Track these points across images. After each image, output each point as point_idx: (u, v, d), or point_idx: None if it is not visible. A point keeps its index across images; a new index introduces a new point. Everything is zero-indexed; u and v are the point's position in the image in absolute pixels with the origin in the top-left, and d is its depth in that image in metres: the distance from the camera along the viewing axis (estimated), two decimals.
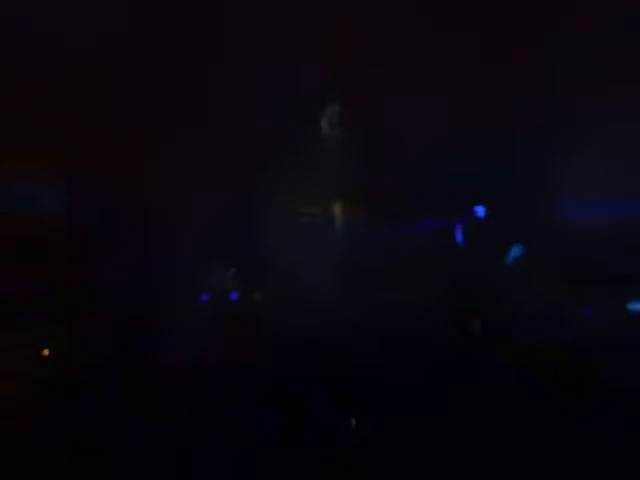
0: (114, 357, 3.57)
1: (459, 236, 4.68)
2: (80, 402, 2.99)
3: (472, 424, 2.64)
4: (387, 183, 4.52)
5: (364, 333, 4.01)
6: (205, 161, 4.33)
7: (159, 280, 4.18)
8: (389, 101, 4.34)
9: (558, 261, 4.39)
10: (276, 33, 4.31)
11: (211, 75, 4.40)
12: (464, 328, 3.95)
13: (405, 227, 4.54)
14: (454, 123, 4.27)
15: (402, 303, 4.27)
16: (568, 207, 4.54)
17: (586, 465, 2.24)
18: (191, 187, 4.32)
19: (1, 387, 3.11)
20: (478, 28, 4.41)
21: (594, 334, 3.69)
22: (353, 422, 2.72)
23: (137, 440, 2.61)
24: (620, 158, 4.26)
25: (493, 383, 3.10)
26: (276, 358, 3.54)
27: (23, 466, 2.40)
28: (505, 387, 3.04)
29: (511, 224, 4.54)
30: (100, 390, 3.12)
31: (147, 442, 2.59)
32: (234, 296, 4.68)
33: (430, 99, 4.26)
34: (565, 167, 4.42)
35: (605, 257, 4.10)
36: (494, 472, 2.24)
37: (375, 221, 4.70)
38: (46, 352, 3.51)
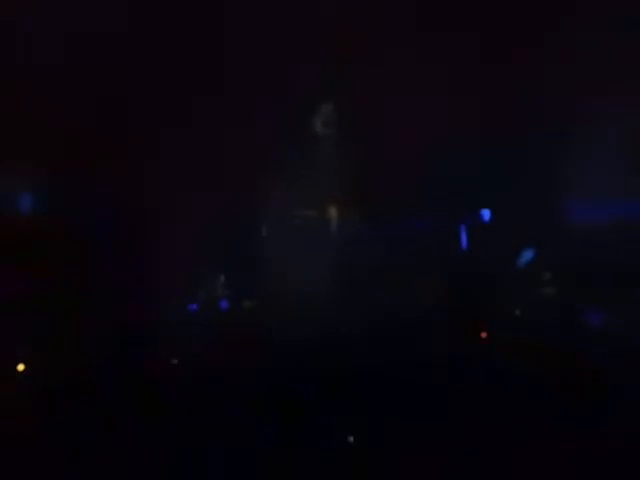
0: (114, 357, 3.57)
1: (459, 236, 4.68)
2: (80, 402, 2.98)
3: (472, 424, 2.64)
4: (386, 183, 4.51)
5: (363, 333, 4.01)
6: (198, 162, 4.32)
7: (156, 281, 4.17)
8: (388, 101, 4.33)
9: (561, 262, 4.39)
10: (276, 33, 4.31)
11: (210, 75, 4.40)
12: (464, 328, 3.94)
13: (403, 227, 4.54)
14: (454, 123, 4.26)
15: (402, 304, 4.26)
16: (569, 207, 4.54)
17: (586, 465, 2.24)
18: (183, 188, 4.31)
19: (1, 387, 3.11)
20: (478, 28, 4.41)
21: (599, 336, 3.69)
22: (353, 422, 2.72)
23: (137, 440, 2.61)
24: (621, 158, 4.26)
25: (493, 383, 3.09)
26: (275, 359, 3.54)
27: (23, 466, 2.39)
28: (505, 387, 3.04)
29: (510, 224, 4.53)
30: (99, 390, 3.12)
31: (147, 442, 2.59)
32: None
33: (430, 99, 4.26)
34: (565, 167, 4.42)
35: (608, 258, 4.09)
36: (494, 472, 2.24)
37: (373, 222, 4.69)
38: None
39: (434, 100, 4.26)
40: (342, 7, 4.35)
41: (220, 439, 2.58)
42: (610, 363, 3.12)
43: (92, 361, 3.45)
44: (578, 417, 2.66)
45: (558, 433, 2.50)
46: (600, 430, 2.50)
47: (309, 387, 3.05)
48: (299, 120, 4.67)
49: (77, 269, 3.99)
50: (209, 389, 3.18)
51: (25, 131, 3.95)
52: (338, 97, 4.69)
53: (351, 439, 2.60)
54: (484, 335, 3.88)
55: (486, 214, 4.66)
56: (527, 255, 4.56)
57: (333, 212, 4.75)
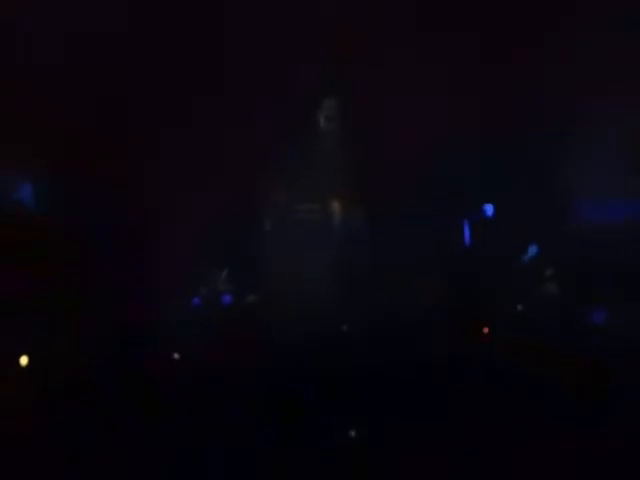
0: (114, 357, 3.57)
1: (460, 235, 4.68)
2: (80, 402, 2.98)
3: (472, 424, 2.64)
4: (386, 182, 4.52)
5: (363, 333, 4.01)
6: (201, 160, 4.33)
7: (156, 280, 4.18)
8: (389, 101, 4.34)
9: (562, 262, 4.39)
10: (276, 33, 4.31)
11: (211, 75, 4.40)
12: (464, 328, 3.94)
13: (404, 226, 4.54)
14: (454, 122, 4.27)
15: (402, 303, 4.26)
16: (569, 207, 4.54)
17: (586, 465, 2.23)
18: (186, 186, 4.31)
19: (1, 387, 3.11)
20: (478, 28, 4.41)
21: (599, 336, 3.68)
22: (353, 423, 2.72)
23: (136, 440, 2.61)
24: (620, 158, 4.26)
25: (493, 383, 3.09)
26: (275, 359, 3.54)
27: (23, 466, 2.39)
28: (505, 387, 3.04)
29: (511, 224, 4.53)
30: (99, 390, 3.11)
31: (147, 442, 2.59)
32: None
33: (430, 99, 4.26)
34: (565, 167, 4.42)
35: (609, 258, 4.09)
36: (494, 472, 2.24)
37: (374, 220, 4.69)
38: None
39: (434, 100, 4.26)
40: (342, 7, 4.36)
41: (220, 439, 2.58)
42: (610, 363, 3.12)
43: (92, 361, 3.45)
44: (578, 417, 2.66)
45: (558, 433, 2.50)
46: (600, 430, 2.50)
47: (309, 387, 3.05)
48: (299, 119, 4.67)
49: (77, 269, 3.99)
50: (209, 389, 3.18)
51: (25, 131, 3.95)
52: (338, 97, 4.69)
53: (352, 434, 2.60)
54: (485, 331, 3.87)
55: (487, 214, 4.66)
56: (527, 255, 4.56)
57: (334, 210, 4.75)
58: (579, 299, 4.13)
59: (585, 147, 4.24)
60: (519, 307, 4.28)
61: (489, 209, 4.65)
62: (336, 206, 4.75)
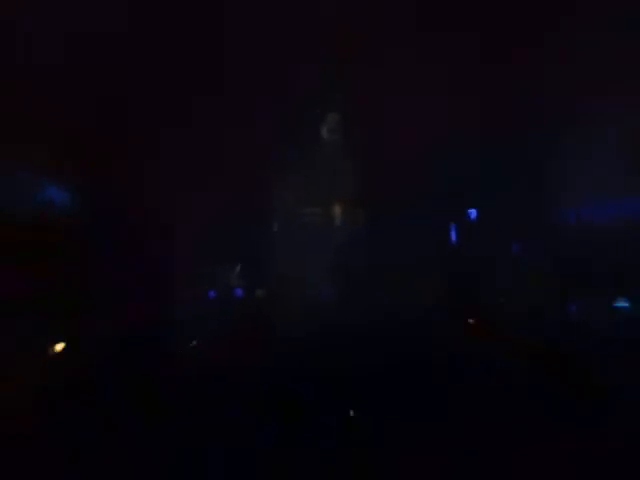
0: (114, 357, 3.57)
1: (459, 236, 4.68)
2: (80, 402, 2.98)
3: (472, 423, 2.64)
4: (386, 183, 4.52)
5: (364, 333, 4.01)
6: (210, 161, 4.34)
7: (162, 279, 4.18)
8: (388, 101, 4.34)
9: (554, 261, 4.39)
10: (276, 33, 4.31)
11: (212, 76, 4.40)
12: (464, 328, 3.94)
13: (404, 227, 4.54)
14: (454, 123, 4.27)
15: (402, 303, 4.26)
16: (569, 207, 4.54)
17: (586, 465, 2.23)
18: (195, 186, 4.33)
19: (1, 387, 3.11)
20: (478, 28, 4.41)
21: (589, 332, 3.69)
22: (353, 422, 2.72)
23: (137, 440, 2.61)
24: (620, 158, 4.26)
25: (492, 383, 3.09)
26: (277, 358, 3.54)
27: (23, 466, 2.39)
28: (505, 387, 3.04)
29: (510, 224, 4.53)
30: (100, 390, 3.12)
31: (147, 442, 2.59)
32: (239, 292, 4.73)
33: (430, 99, 4.26)
34: (565, 167, 4.42)
35: (609, 258, 4.09)
36: (494, 472, 2.24)
37: (375, 221, 4.70)
38: (47, 351, 3.50)
39: (434, 100, 4.26)
40: (342, 7, 4.35)
41: (220, 439, 2.58)
42: (611, 363, 3.12)
43: (92, 361, 3.45)
44: (578, 417, 2.66)
45: (558, 433, 2.50)
46: (600, 430, 2.50)
47: (309, 387, 3.05)
48: (299, 119, 4.67)
49: (77, 269, 3.99)
50: (210, 388, 3.19)
51: (25, 131, 3.95)
52: (338, 97, 4.69)
53: (352, 434, 2.60)
54: (484, 330, 3.87)
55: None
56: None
57: (336, 212, 4.76)
58: (579, 299, 4.13)
59: (585, 147, 4.24)
60: (518, 306, 4.28)
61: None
62: (338, 209, 4.78)
